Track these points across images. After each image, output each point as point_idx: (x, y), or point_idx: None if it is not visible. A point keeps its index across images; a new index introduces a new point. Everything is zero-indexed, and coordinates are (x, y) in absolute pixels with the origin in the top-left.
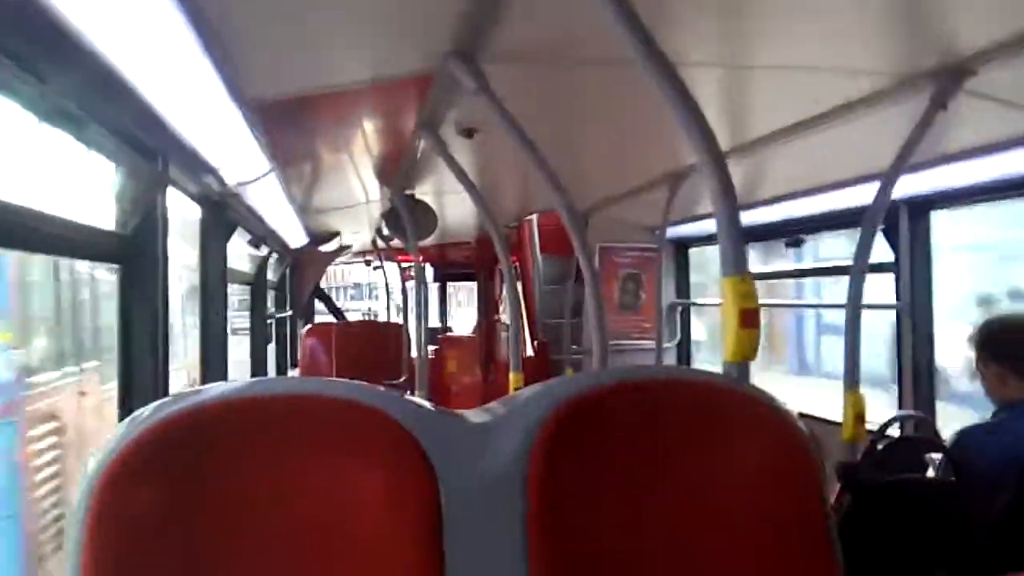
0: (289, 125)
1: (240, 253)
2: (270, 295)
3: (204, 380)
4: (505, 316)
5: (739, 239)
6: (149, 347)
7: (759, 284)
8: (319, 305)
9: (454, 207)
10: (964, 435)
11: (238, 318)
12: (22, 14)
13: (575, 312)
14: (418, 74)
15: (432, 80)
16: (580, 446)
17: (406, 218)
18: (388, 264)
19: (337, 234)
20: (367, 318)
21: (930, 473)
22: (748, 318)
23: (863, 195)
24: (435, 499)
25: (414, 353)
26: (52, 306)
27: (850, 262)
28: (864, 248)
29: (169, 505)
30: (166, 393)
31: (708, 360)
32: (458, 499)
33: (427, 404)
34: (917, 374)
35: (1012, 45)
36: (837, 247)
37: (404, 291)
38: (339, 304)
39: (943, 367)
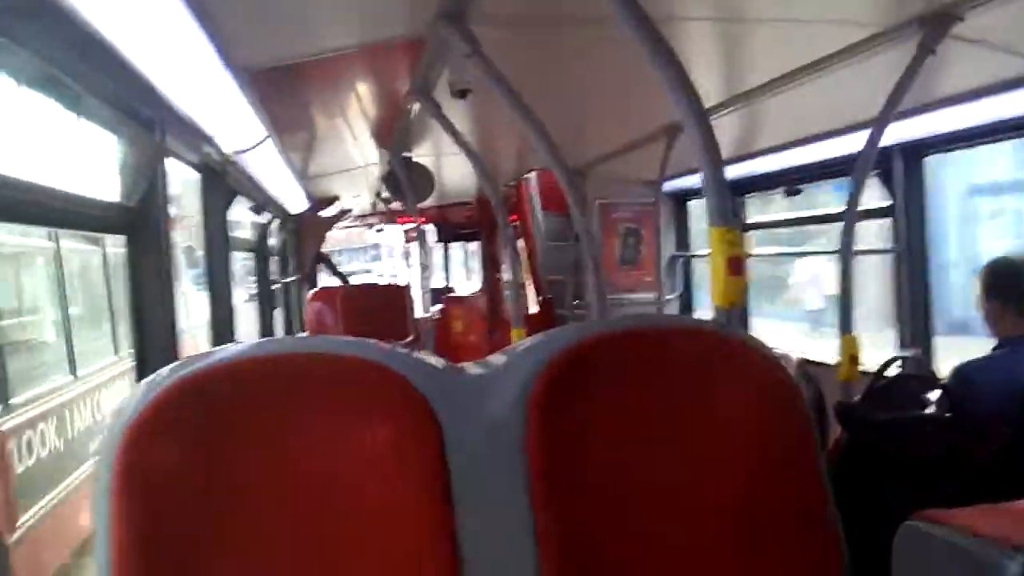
0: (283, 92)
1: (243, 222)
2: (274, 261)
3: (214, 343)
4: (507, 274)
5: (725, 191)
6: (160, 312)
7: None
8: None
9: (452, 168)
10: (961, 370)
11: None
12: None
13: (578, 268)
14: (409, 38)
15: (423, 43)
16: (575, 392)
17: (404, 180)
18: (391, 227)
19: (337, 198)
20: (391, 280)
21: (929, 410)
22: (735, 266)
23: (856, 143)
24: (440, 449)
25: (419, 314)
26: None
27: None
28: (855, 195)
29: (188, 460)
30: (177, 355)
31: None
32: (462, 448)
33: (429, 358)
34: (915, 315)
35: None
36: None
37: (407, 253)
38: (359, 266)
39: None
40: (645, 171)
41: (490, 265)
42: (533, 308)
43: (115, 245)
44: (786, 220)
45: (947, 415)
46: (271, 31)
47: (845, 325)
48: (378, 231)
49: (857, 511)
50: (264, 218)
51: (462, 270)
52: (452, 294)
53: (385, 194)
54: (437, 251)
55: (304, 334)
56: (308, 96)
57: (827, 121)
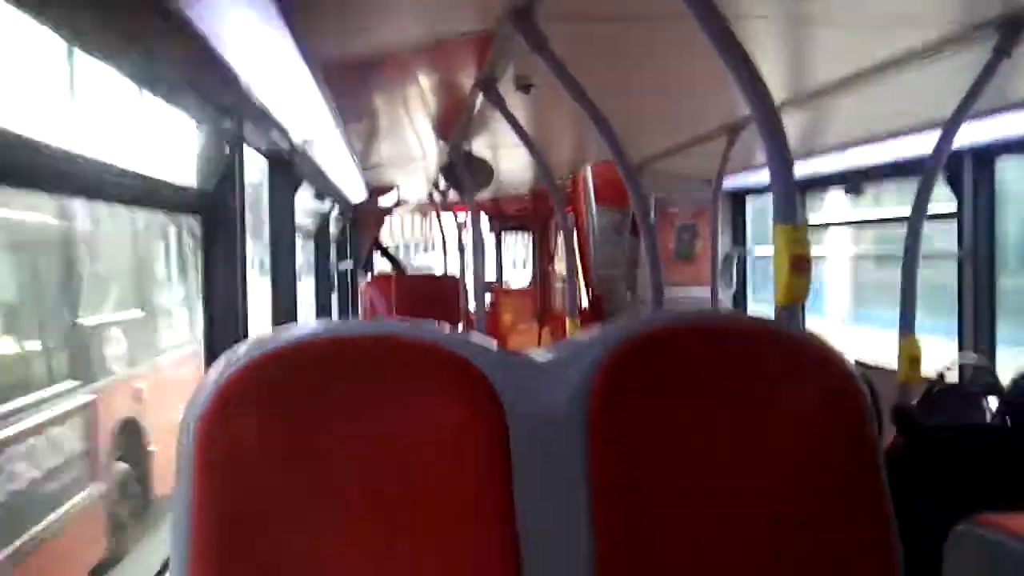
0: (354, 83)
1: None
2: (332, 248)
3: (275, 325)
4: (560, 266)
5: (792, 187)
6: (230, 293)
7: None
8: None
9: (509, 161)
10: (1023, 379)
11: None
12: None
13: (630, 263)
14: (477, 33)
15: (490, 38)
16: (637, 384)
17: (463, 172)
18: (446, 217)
19: (395, 187)
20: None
21: (988, 419)
22: (800, 264)
23: (924, 145)
24: (503, 432)
25: (471, 305)
26: None
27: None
28: (923, 196)
29: (266, 435)
30: (247, 334)
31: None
32: (524, 432)
33: (493, 344)
34: (978, 321)
35: None
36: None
37: (460, 244)
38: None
39: None
40: (703, 168)
41: (542, 258)
42: (583, 304)
43: None
44: (849, 222)
45: (1007, 424)
46: (346, 24)
47: (907, 326)
48: (430, 219)
49: (910, 515)
50: (325, 206)
51: (515, 262)
52: (503, 286)
53: (443, 185)
54: (490, 243)
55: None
56: (376, 88)
57: (895, 122)
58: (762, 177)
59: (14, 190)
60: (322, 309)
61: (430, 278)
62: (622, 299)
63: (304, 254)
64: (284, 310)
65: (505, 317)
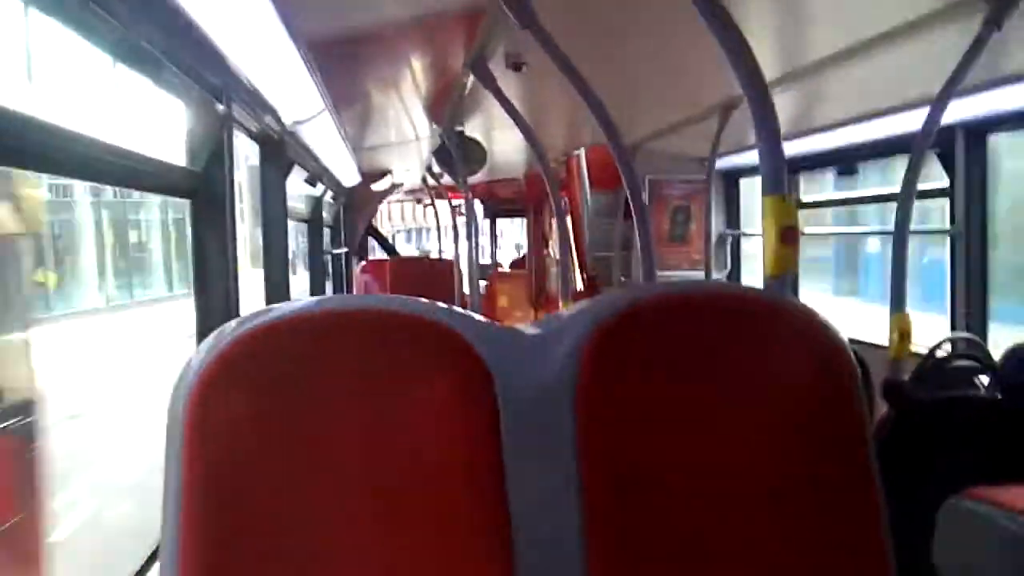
0: (343, 63)
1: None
2: (326, 233)
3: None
4: (555, 249)
5: (780, 160)
6: (221, 273)
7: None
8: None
9: (503, 143)
10: (1015, 353)
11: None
12: None
13: (624, 245)
14: (467, 10)
15: (481, 15)
16: (628, 354)
17: (456, 154)
18: (439, 202)
19: (388, 172)
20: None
21: (979, 392)
22: (788, 235)
23: (914, 122)
24: (493, 405)
25: (466, 288)
26: None
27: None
28: (913, 173)
29: (256, 411)
30: (238, 313)
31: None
32: (513, 405)
33: (484, 319)
34: (970, 297)
35: None
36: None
37: (455, 228)
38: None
39: None
40: (696, 148)
41: (537, 241)
42: (578, 285)
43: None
44: (841, 200)
45: (998, 397)
46: (334, 1)
47: (897, 303)
48: (426, 206)
49: (900, 490)
50: (318, 190)
51: (508, 246)
52: (498, 270)
53: (436, 168)
54: (484, 226)
55: None
56: (365, 67)
57: (885, 98)
58: (755, 157)
59: None
60: (317, 294)
61: (424, 262)
62: (616, 282)
63: (299, 241)
64: (277, 294)
65: (501, 300)
